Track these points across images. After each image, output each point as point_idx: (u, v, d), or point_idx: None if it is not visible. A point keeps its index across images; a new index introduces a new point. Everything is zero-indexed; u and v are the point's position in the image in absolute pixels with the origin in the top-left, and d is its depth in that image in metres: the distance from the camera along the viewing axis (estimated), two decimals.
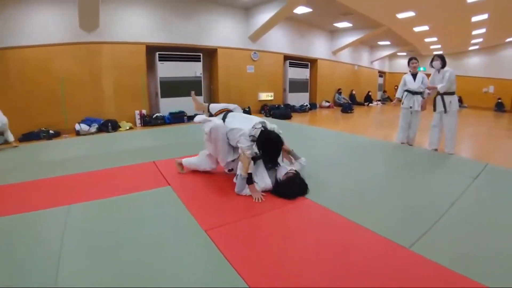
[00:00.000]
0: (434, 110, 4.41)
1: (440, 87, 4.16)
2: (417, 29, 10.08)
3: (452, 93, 4.20)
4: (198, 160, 3.14)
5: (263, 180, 2.63)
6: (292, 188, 2.57)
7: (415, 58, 4.77)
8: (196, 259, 1.68)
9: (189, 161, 3.19)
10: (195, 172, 3.29)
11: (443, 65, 4.22)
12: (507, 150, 5.10)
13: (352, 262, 1.66)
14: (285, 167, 2.74)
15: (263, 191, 2.59)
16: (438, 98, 4.31)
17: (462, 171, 3.40)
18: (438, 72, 4.27)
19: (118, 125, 6.73)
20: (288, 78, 10.86)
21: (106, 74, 6.78)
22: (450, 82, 4.12)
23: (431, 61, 4.33)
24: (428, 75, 4.64)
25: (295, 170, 2.71)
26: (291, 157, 2.97)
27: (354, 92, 14.03)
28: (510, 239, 1.93)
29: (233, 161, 2.83)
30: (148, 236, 1.94)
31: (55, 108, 6.18)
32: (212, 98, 9.07)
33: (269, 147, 2.57)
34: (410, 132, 4.85)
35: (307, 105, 10.96)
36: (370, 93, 14.70)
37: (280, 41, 10.22)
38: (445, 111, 4.24)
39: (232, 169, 2.87)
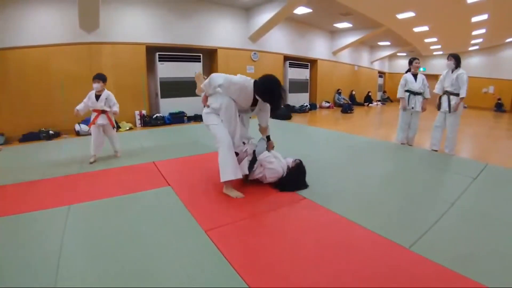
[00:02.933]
0: (438, 109, 4.40)
1: (463, 93, 4.06)
2: (417, 29, 10.08)
3: (458, 94, 4.17)
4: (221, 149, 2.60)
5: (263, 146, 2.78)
6: (302, 175, 2.77)
7: (417, 58, 4.75)
8: (196, 259, 1.68)
9: (223, 168, 2.57)
10: (195, 172, 3.29)
11: (457, 65, 4.17)
12: (507, 150, 5.10)
13: (352, 262, 1.66)
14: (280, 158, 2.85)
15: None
16: (444, 97, 4.30)
17: (462, 171, 3.40)
18: (452, 72, 4.22)
19: (118, 126, 6.73)
20: (288, 79, 10.87)
21: (106, 75, 6.65)
22: (467, 85, 4.08)
23: (447, 61, 4.27)
24: (428, 76, 4.63)
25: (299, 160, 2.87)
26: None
27: (354, 92, 14.03)
28: (510, 239, 1.93)
29: (243, 143, 2.78)
30: (148, 236, 1.94)
31: (55, 108, 6.18)
32: None
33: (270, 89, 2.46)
34: (409, 132, 4.85)
35: (307, 106, 10.97)
36: (370, 94, 14.71)
37: (280, 42, 10.22)
38: (449, 111, 4.23)
39: (238, 154, 2.74)
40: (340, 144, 4.96)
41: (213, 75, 2.59)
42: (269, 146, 2.95)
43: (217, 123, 2.60)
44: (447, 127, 4.32)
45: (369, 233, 1.97)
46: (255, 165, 2.76)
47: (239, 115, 2.69)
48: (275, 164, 2.73)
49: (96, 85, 3.77)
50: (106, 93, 3.85)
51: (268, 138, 2.91)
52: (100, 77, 3.82)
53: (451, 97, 4.20)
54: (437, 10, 7.83)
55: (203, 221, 2.11)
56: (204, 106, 2.76)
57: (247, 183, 2.86)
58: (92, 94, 3.81)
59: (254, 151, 2.77)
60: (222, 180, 2.56)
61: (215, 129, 2.60)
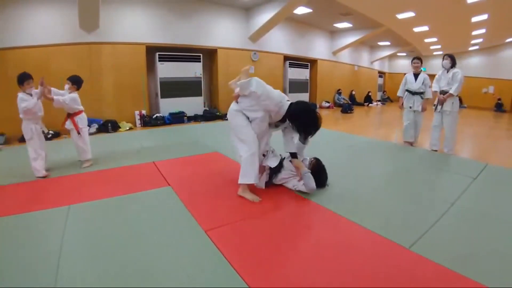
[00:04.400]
0: (435, 110, 4.41)
1: (454, 91, 4.12)
2: (417, 29, 10.08)
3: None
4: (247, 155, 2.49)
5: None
6: (324, 173, 2.78)
7: (418, 58, 4.70)
8: (196, 259, 1.68)
9: (247, 170, 2.49)
10: (195, 172, 3.29)
11: (453, 64, 4.22)
12: (507, 150, 5.10)
13: (352, 262, 1.66)
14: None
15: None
16: (441, 97, 4.30)
17: (462, 171, 3.40)
18: (447, 71, 4.26)
19: (118, 126, 6.73)
20: (288, 79, 10.86)
21: (106, 75, 6.78)
22: (461, 83, 4.11)
23: (442, 60, 4.32)
24: (429, 75, 4.63)
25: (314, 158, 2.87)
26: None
27: (354, 92, 14.02)
28: (510, 239, 1.93)
29: (263, 155, 2.72)
30: (148, 236, 1.94)
31: (55, 108, 6.16)
32: (212, 98, 9.08)
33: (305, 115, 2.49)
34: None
35: None
36: (370, 94, 14.70)
37: (280, 42, 10.22)
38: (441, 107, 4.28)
39: (264, 155, 2.71)
40: (340, 144, 4.96)
41: (256, 78, 2.49)
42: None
43: (245, 124, 2.54)
44: (445, 127, 4.33)
45: (369, 233, 1.97)
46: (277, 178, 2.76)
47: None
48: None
49: (65, 86, 3.59)
50: (70, 95, 3.52)
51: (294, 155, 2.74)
52: (70, 79, 3.60)
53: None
54: (437, 10, 7.82)
55: (203, 221, 2.11)
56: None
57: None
58: (65, 93, 3.60)
59: (270, 168, 2.73)
60: (242, 182, 2.50)
61: (243, 130, 2.53)
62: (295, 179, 2.72)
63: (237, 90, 2.62)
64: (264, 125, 2.59)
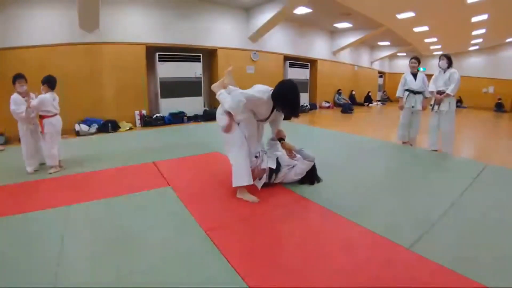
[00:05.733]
0: (432, 109, 4.42)
1: (450, 91, 4.13)
2: (417, 29, 10.09)
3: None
4: (240, 159, 2.49)
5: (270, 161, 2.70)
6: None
7: (415, 58, 4.72)
8: (196, 259, 1.68)
9: (239, 173, 2.47)
10: (195, 172, 3.29)
11: (450, 65, 4.23)
12: (507, 150, 5.10)
13: (352, 262, 1.66)
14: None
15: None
16: (438, 97, 4.31)
17: (462, 171, 3.40)
18: (444, 72, 4.26)
19: (118, 126, 6.73)
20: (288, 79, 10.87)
21: (106, 75, 6.78)
22: (458, 83, 4.12)
23: (439, 61, 4.33)
24: (428, 76, 4.64)
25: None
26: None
27: (354, 92, 14.03)
28: (510, 239, 1.93)
29: (256, 157, 2.67)
30: (148, 236, 1.94)
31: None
32: (212, 98, 9.07)
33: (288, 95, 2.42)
34: (411, 132, 4.83)
35: (307, 106, 10.96)
36: (370, 94, 14.71)
37: (280, 42, 10.22)
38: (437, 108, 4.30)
39: (257, 156, 2.66)
40: (340, 144, 4.96)
41: (236, 100, 2.37)
42: (286, 150, 2.81)
43: (233, 125, 2.53)
44: (443, 127, 4.33)
45: (369, 232, 1.97)
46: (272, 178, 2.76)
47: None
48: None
49: (41, 88, 3.48)
50: (39, 97, 3.39)
51: (281, 139, 2.80)
52: (42, 80, 3.44)
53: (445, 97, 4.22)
54: (437, 10, 7.83)
55: (203, 221, 2.10)
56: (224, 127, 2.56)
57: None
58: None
59: (269, 168, 2.69)
60: (237, 185, 2.47)
61: (232, 131, 2.52)
62: (292, 170, 2.78)
63: (218, 94, 2.65)
64: (252, 126, 2.59)
